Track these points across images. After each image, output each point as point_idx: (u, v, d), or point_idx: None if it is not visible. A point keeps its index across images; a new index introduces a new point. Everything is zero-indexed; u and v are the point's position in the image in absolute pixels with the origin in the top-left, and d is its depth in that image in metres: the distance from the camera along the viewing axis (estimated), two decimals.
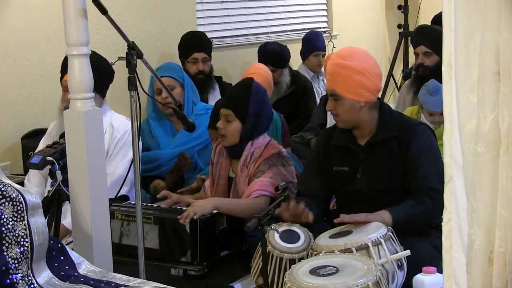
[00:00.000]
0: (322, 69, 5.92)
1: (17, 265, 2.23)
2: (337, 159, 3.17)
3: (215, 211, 3.23)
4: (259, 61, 5.35)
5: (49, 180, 3.45)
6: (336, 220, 2.88)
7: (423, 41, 4.52)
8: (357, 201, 3.07)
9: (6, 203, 2.25)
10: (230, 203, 3.35)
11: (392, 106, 5.95)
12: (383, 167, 3.07)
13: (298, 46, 6.00)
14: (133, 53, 2.72)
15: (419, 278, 2.60)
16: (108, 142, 3.62)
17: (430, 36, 4.49)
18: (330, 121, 4.73)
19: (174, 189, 4.00)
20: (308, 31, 6.24)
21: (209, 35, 5.64)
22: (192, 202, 3.32)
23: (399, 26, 7.04)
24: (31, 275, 2.26)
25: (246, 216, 3.26)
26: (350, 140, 3.16)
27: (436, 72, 4.36)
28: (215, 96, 4.94)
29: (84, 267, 2.42)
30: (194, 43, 4.93)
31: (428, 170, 2.97)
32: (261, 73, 4.51)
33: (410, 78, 4.85)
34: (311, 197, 3.18)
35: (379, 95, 3.26)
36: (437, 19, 5.75)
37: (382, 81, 3.17)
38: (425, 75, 4.47)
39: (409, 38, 6.17)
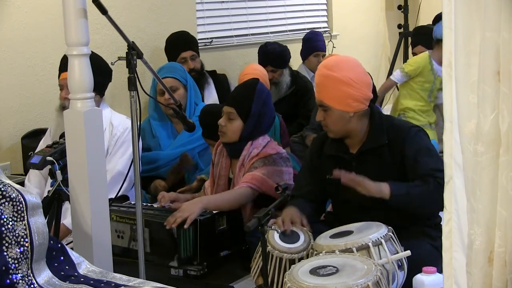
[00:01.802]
0: None
1: (17, 265, 2.23)
2: (329, 168, 3.13)
3: (215, 211, 3.23)
4: (259, 61, 5.36)
5: (49, 180, 3.45)
6: (334, 172, 2.91)
7: (421, 41, 4.54)
8: (351, 208, 3.05)
9: (6, 203, 2.25)
10: (216, 199, 3.34)
11: (390, 107, 5.95)
12: (375, 174, 3.01)
13: (298, 46, 6.00)
14: (133, 53, 2.72)
15: (419, 278, 2.60)
16: (108, 140, 3.63)
17: (427, 36, 4.50)
18: None
19: (174, 189, 4.00)
20: (308, 31, 6.23)
21: (209, 35, 5.65)
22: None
23: (399, 26, 7.04)
24: (31, 275, 2.26)
25: (232, 208, 3.27)
26: (341, 149, 3.14)
27: None
28: (210, 91, 4.94)
29: (84, 267, 2.42)
30: (180, 43, 4.93)
31: (429, 162, 2.93)
32: (257, 73, 4.51)
33: None
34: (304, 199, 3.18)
35: (379, 100, 3.24)
36: (438, 20, 5.75)
37: (371, 89, 3.13)
38: None
39: (409, 38, 6.18)
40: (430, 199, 2.87)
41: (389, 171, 3.02)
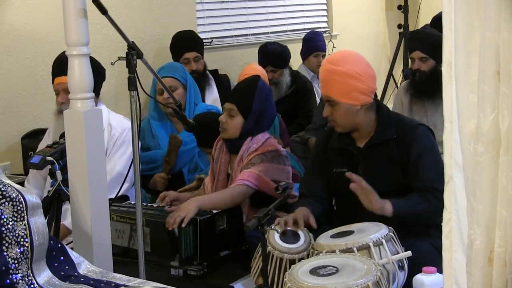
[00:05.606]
0: None
1: (17, 265, 2.23)
2: (336, 161, 3.18)
3: (215, 211, 3.23)
4: (259, 61, 5.36)
5: (49, 180, 3.45)
6: (347, 173, 2.92)
7: (417, 46, 4.49)
8: (357, 202, 3.07)
9: (6, 203, 2.25)
10: (211, 198, 3.33)
11: (389, 106, 5.93)
12: (382, 169, 3.06)
13: (298, 46, 6.00)
14: (133, 53, 2.72)
15: (419, 278, 2.60)
16: (106, 141, 3.61)
17: (424, 41, 4.46)
18: None
19: (174, 189, 4.00)
20: (308, 31, 6.24)
21: (209, 35, 5.64)
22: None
23: (399, 26, 7.04)
24: (31, 275, 2.26)
25: (228, 206, 3.26)
26: (348, 142, 3.16)
27: (433, 77, 4.35)
28: (212, 92, 4.93)
29: (84, 267, 2.42)
30: (184, 43, 4.91)
31: (431, 171, 2.96)
32: (257, 73, 4.50)
33: (407, 81, 4.82)
34: (314, 197, 3.19)
35: (378, 96, 3.25)
36: (435, 21, 5.73)
37: (376, 82, 3.16)
38: (422, 80, 4.45)
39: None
40: (430, 215, 2.94)
41: (395, 166, 3.05)
